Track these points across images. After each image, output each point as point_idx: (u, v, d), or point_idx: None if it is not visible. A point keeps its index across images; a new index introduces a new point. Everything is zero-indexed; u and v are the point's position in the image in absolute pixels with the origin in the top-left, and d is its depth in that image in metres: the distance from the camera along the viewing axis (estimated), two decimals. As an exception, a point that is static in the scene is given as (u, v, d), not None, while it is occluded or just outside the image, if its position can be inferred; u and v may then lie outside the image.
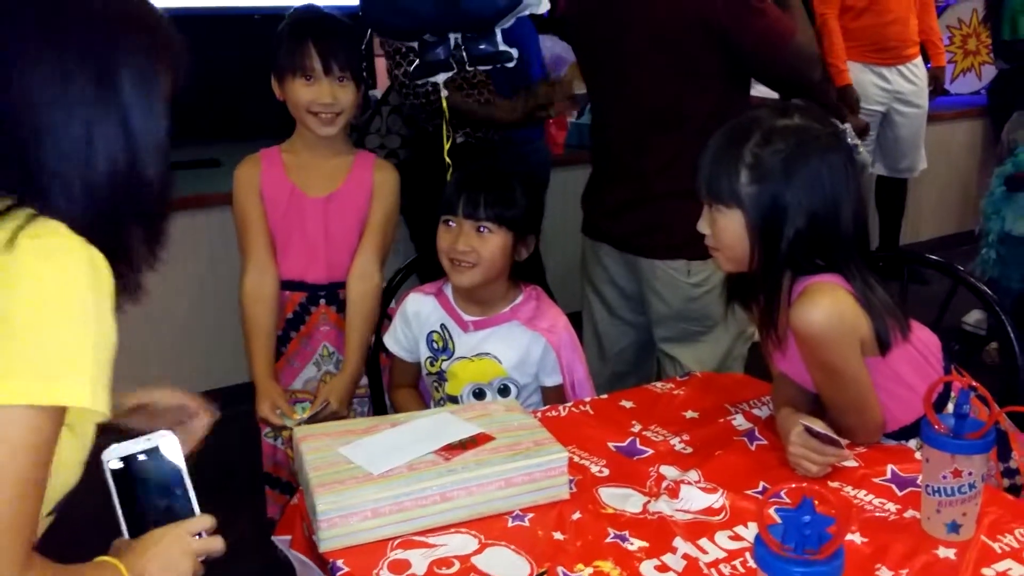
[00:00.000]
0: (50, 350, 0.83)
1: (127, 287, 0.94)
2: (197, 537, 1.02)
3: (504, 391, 1.68)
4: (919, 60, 3.96)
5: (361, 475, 1.19)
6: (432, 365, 1.74)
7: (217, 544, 1.03)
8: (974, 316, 3.67)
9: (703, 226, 1.39)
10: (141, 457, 1.01)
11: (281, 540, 1.33)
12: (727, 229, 1.35)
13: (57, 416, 0.84)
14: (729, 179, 1.32)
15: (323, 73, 1.79)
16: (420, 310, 1.75)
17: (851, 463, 1.31)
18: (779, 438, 1.36)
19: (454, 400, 1.71)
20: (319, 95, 1.80)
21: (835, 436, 1.28)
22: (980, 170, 4.70)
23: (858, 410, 1.35)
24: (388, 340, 1.80)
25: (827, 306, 1.29)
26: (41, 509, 0.86)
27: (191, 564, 1.01)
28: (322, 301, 1.91)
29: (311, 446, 1.28)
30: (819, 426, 1.28)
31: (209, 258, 3.00)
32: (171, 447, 1.03)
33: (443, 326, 1.73)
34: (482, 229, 1.63)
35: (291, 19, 1.87)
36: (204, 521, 1.04)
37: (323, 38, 1.80)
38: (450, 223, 1.65)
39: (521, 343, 1.67)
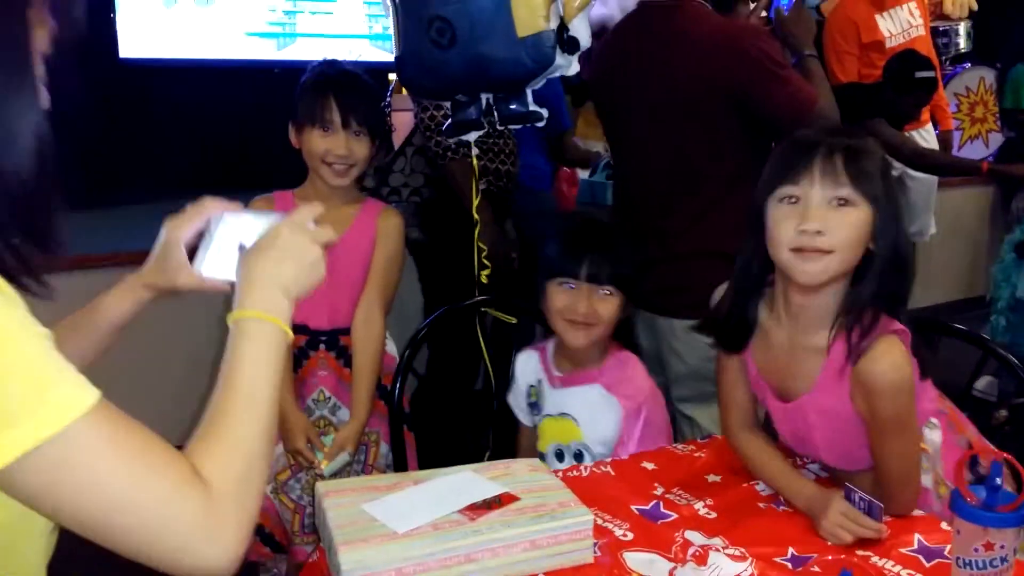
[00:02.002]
0: (16, 386, 0.71)
1: (33, 291, 0.81)
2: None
3: (579, 456, 1.67)
4: (930, 126, 4.02)
5: (386, 533, 1.18)
6: (532, 418, 1.77)
7: (330, 232, 1.02)
8: (983, 381, 3.66)
9: (813, 223, 1.23)
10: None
11: (298, 597, 1.32)
12: (856, 226, 1.24)
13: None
14: (871, 175, 1.26)
15: (341, 126, 1.86)
16: (524, 366, 1.79)
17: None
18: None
19: (540, 457, 1.70)
20: (335, 147, 1.85)
21: (878, 503, 1.26)
22: (989, 237, 4.73)
23: (914, 472, 1.33)
24: (510, 400, 1.83)
25: (904, 354, 1.27)
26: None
27: (319, 249, 0.99)
28: (322, 346, 1.93)
29: (334, 502, 1.26)
30: (861, 492, 1.27)
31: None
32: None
33: (539, 381, 1.75)
34: (604, 292, 1.64)
35: (314, 72, 1.93)
36: (314, 208, 1.02)
37: (344, 93, 1.87)
38: (569, 284, 1.65)
39: (597, 407, 1.65)
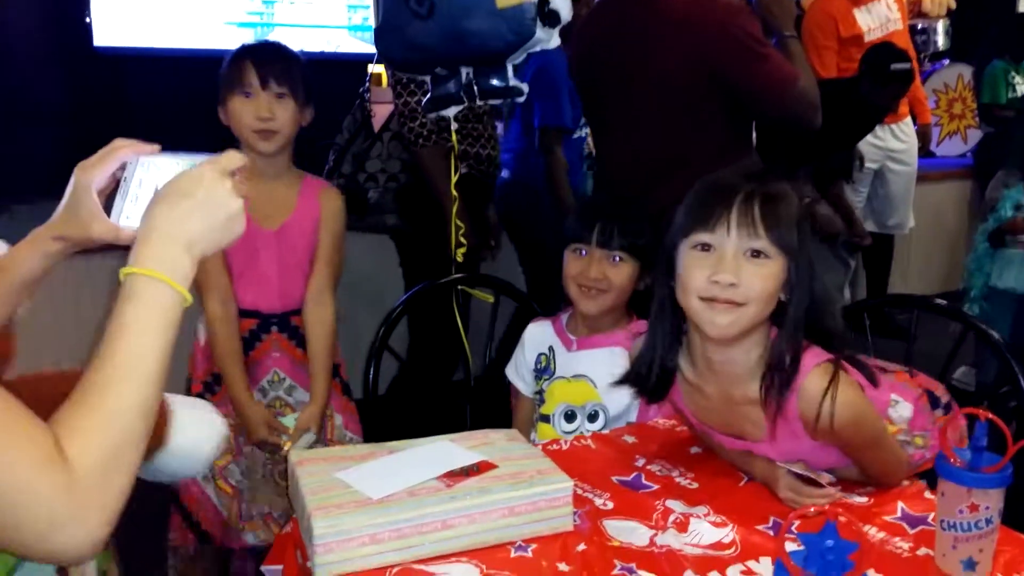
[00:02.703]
0: None
1: None
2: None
3: (593, 417, 1.69)
4: (909, 119, 4.04)
5: (360, 499, 1.15)
6: (537, 383, 1.76)
7: (246, 185, 0.91)
8: (961, 371, 3.68)
9: (726, 275, 1.18)
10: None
11: (271, 570, 1.28)
12: (770, 278, 1.19)
13: None
14: (788, 226, 1.20)
15: (261, 88, 1.84)
16: (535, 334, 1.79)
17: (861, 499, 1.29)
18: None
19: (546, 420, 1.71)
20: (258, 109, 1.83)
21: (815, 476, 1.26)
22: (967, 231, 4.77)
23: (899, 462, 1.32)
24: (509, 372, 1.82)
25: (844, 383, 1.21)
26: None
27: (238, 203, 0.88)
28: (274, 329, 1.94)
29: (307, 471, 1.24)
30: (799, 468, 1.27)
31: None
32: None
33: (551, 347, 1.75)
34: (615, 258, 1.66)
35: (235, 50, 1.94)
36: (237, 156, 0.91)
37: (261, 56, 1.87)
38: (582, 251, 1.68)
39: (620, 368, 1.59)
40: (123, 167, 1.03)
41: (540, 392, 1.76)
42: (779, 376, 1.21)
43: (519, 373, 1.81)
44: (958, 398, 1.66)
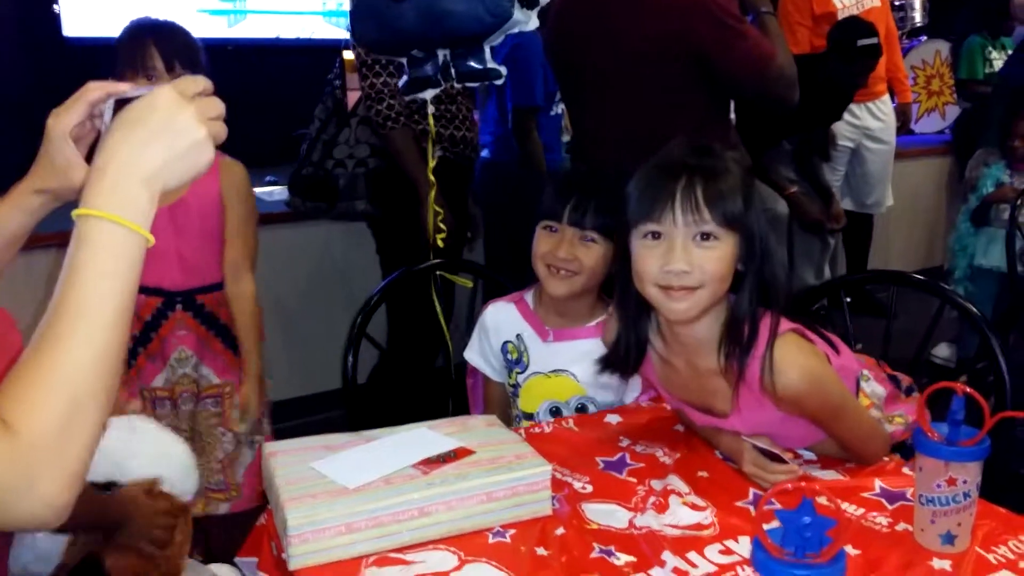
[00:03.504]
0: None
1: None
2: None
3: (582, 410, 1.62)
4: (887, 97, 4.03)
5: (335, 489, 1.14)
6: (509, 376, 1.68)
7: (219, 105, 0.82)
8: (942, 350, 3.69)
9: (678, 264, 1.18)
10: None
11: (245, 562, 1.27)
12: (722, 259, 1.20)
13: None
14: (733, 202, 1.20)
15: (165, 71, 1.82)
16: (498, 319, 1.69)
17: (837, 476, 1.29)
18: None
19: (529, 417, 1.64)
20: None
21: (778, 452, 1.26)
22: (947, 208, 4.78)
23: (874, 432, 1.32)
24: (469, 354, 1.74)
25: (805, 352, 1.23)
26: None
27: (203, 129, 0.79)
28: (179, 306, 1.96)
29: (281, 461, 1.22)
30: (763, 443, 1.27)
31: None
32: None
33: (519, 336, 1.66)
34: (587, 238, 1.57)
35: (129, 25, 1.91)
36: (200, 80, 0.82)
37: (164, 38, 1.85)
38: (552, 229, 1.59)
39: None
40: (101, 113, 0.96)
41: (515, 386, 1.67)
42: (737, 344, 1.22)
43: (485, 359, 1.72)
44: (937, 375, 1.67)
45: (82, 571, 1.26)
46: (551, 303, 1.64)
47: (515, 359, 1.67)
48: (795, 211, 3.47)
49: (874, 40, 3.33)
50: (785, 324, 1.23)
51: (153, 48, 1.81)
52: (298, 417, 3.22)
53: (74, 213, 0.76)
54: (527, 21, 1.69)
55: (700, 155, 1.23)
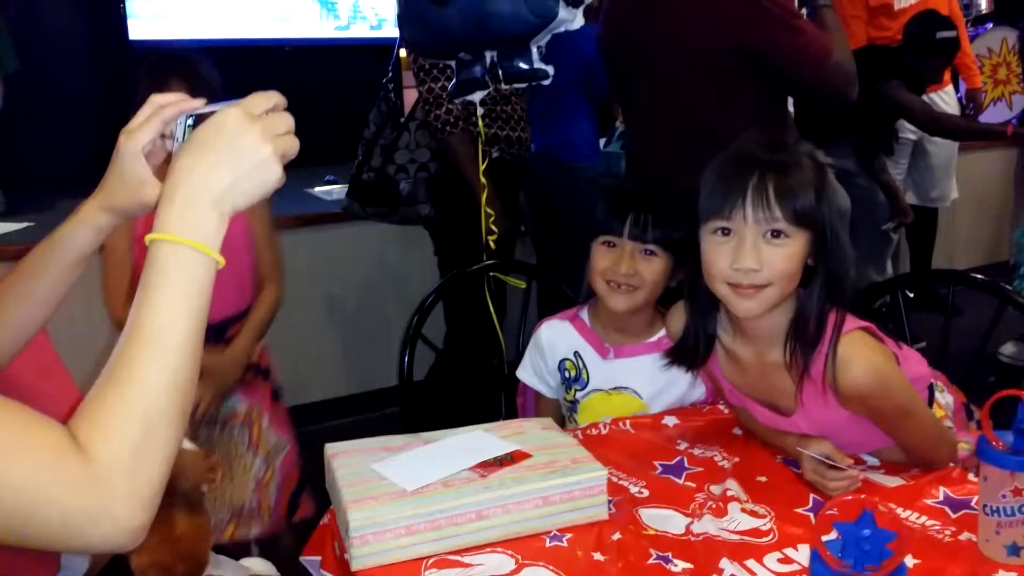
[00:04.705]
0: None
1: None
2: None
3: None
4: (950, 88, 3.93)
5: (395, 491, 1.16)
6: (567, 393, 1.67)
7: (289, 120, 0.83)
8: (1009, 348, 3.59)
9: (747, 262, 1.18)
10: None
11: (310, 561, 1.30)
12: (792, 257, 1.19)
13: None
14: (806, 199, 1.19)
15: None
16: (552, 337, 1.68)
17: (899, 481, 1.28)
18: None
19: None
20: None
21: (835, 463, 1.24)
22: (1013, 201, 4.65)
23: (942, 438, 1.30)
24: (522, 373, 1.74)
25: (872, 349, 1.22)
26: None
27: (269, 147, 0.80)
28: (211, 340, 1.89)
29: (343, 462, 1.25)
30: (825, 449, 1.25)
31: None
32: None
33: (577, 353, 1.65)
34: (648, 251, 1.56)
35: (149, 61, 1.93)
36: (271, 96, 0.83)
37: (187, 75, 1.84)
38: (611, 244, 1.58)
39: (667, 375, 1.55)
40: (174, 125, 0.96)
41: (573, 403, 1.65)
42: (803, 339, 1.22)
43: (540, 376, 1.70)
44: (1005, 373, 1.63)
45: (110, 572, 1.28)
46: (610, 319, 1.63)
47: (573, 376, 1.65)
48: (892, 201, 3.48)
49: (953, 33, 3.27)
50: (854, 322, 1.23)
51: (177, 81, 1.80)
52: (353, 414, 3.28)
53: (147, 238, 0.78)
54: (572, 19, 1.68)
55: (773, 150, 1.22)
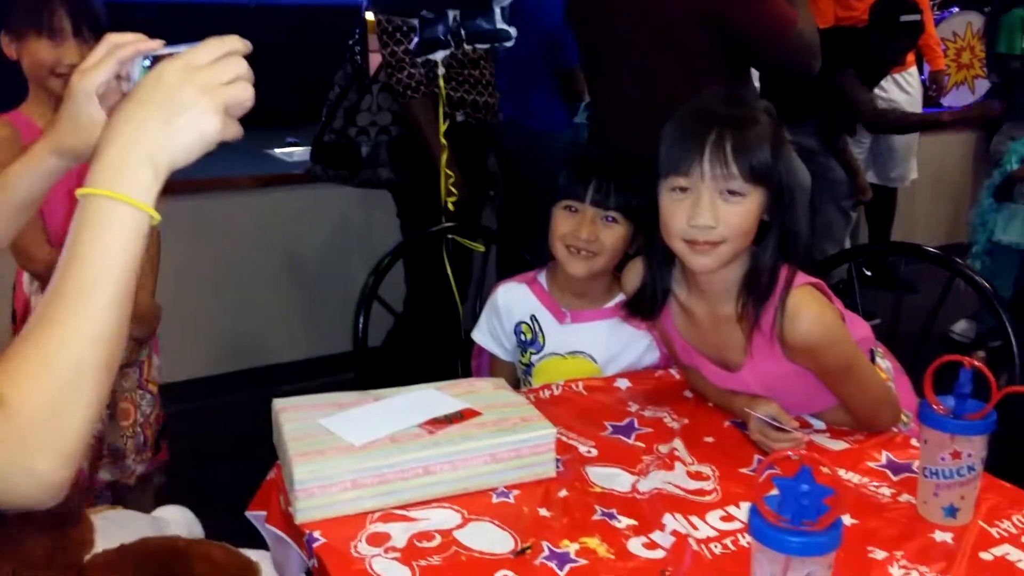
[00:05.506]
0: None
1: None
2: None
3: None
4: (913, 70, 3.97)
5: (342, 446, 1.15)
6: (522, 356, 1.68)
7: (232, 68, 0.77)
8: (961, 325, 3.67)
9: (704, 219, 1.20)
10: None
11: (255, 515, 1.29)
12: (748, 214, 1.21)
13: None
14: (762, 157, 1.20)
15: (72, 34, 1.76)
16: (510, 300, 1.68)
17: (843, 445, 1.30)
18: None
19: None
20: (66, 56, 1.75)
21: (781, 424, 1.26)
22: (972, 183, 4.71)
23: (885, 397, 1.32)
24: (477, 335, 1.74)
25: (820, 303, 1.24)
26: None
27: (207, 99, 0.75)
28: None
29: (290, 417, 1.23)
30: (771, 411, 1.27)
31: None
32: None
33: (533, 317, 1.65)
34: (609, 218, 1.56)
35: None
36: (224, 43, 0.78)
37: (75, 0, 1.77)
38: (573, 209, 1.58)
39: (622, 340, 1.58)
40: (130, 65, 0.91)
41: (528, 366, 1.66)
42: (755, 292, 1.24)
43: (496, 339, 1.71)
44: (954, 350, 1.65)
45: None
46: (568, 284, 1.63)
47: (529, 340, 1.66)
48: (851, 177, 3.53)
49: (916, 17, 3.31)
50: (804, 277, 1.26)
51: (60, 9, 1.73)
52: (311, 379, 3.26)
53: (78, 192, 0.74)
54: None
55: (731, 104, 1.24)
